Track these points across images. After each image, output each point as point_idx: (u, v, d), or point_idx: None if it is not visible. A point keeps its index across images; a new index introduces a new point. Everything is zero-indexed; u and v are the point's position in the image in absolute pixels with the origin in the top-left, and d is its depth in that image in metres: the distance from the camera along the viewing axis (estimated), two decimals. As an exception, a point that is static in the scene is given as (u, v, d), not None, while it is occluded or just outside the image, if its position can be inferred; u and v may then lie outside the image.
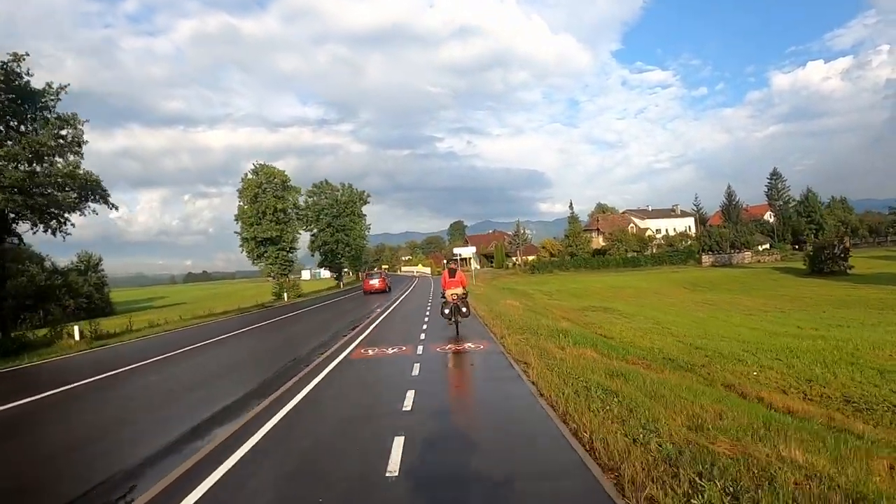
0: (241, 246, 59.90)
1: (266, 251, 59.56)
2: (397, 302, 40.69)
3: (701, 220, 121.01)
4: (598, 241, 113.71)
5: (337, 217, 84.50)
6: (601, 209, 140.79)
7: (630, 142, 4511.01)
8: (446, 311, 19.41)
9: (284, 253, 59.82)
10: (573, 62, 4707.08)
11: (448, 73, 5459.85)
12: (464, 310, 19.54)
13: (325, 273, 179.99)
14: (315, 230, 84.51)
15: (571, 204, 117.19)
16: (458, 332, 19.53)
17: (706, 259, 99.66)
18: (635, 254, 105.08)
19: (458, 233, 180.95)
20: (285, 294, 57.01)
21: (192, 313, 44.63)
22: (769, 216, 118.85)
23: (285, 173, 61.11)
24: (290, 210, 60.67)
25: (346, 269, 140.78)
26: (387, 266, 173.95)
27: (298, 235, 62.07)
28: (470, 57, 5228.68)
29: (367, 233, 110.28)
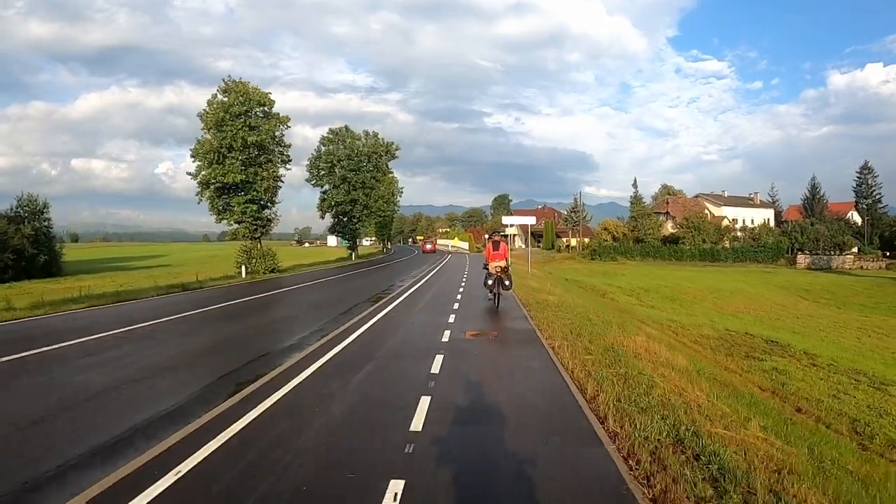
0: (198, 194, 40.11)
1: (230, 203, 39.80)
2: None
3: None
4: (667, 228, 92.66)
5: (355, 171, 64.77)
6: (667, 191, 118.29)
7: (680, 131, 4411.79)
8: (489, 282, 18.79)
9: (255, 207, 39.86)
10: (627, 45, 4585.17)
11: (500, 48, 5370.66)
12: (506, 282, 18.74)
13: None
14: (326, 186, 64.99)
15: (636, 181, 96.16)
16: (498, 304, 18.64)
17: (802, 259, 78.59)
18: (712, 245, 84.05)
19: (501, 207, 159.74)
20: (243, 269, 37.98)
21: (133, 284, 32.13)
22: (852, 215, 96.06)
23: (270, 96, 41.09)
24: (270, 147, 40.51)
25: (371, 238, 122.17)
26: (421, 237, 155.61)
27: (278, 185, 41.94)
28: (524, 33, 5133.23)
29: (397, 196, 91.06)
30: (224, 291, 27.14)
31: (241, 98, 39.77)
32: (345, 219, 66.95)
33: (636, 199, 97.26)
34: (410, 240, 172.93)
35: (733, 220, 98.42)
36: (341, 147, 65.17)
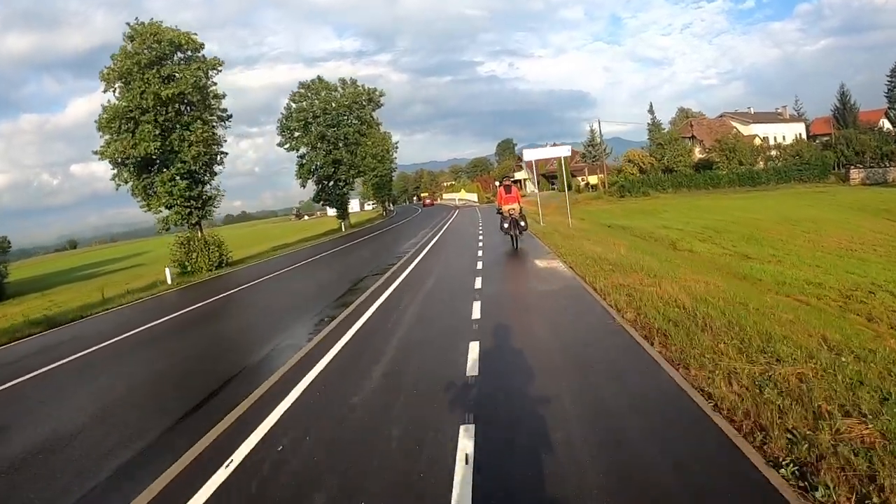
0: (114, 178, 29.15)
1: (152, 182, 28.88)
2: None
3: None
4: (695, 153, 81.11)
5: (334, 127, 53.54)
6: (685, 114, 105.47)
7: (676, 58, 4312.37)
8: (505, 226, 19.11)
9: (183, 183, 28.83)
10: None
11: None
12: (522, 224, 18.96)
13: (353, 205, 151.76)
14: (302, 149, 53.82)
15: (652, 106, 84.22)
16: (517, 245, 18.88)
17: (856, 175, 66.78)
18: (749, 167, 72.78)
19: (507, 152, 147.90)
20: (167, 273, 26.36)
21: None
22: (883, 123, 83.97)
23: (194, 37, 29.79)
24: (195, 101, 29.41)
25: (373, 202, 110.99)
26: (426, 193, 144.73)
27: (217, 150, 31.00)
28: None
29: (392, 153, 79.89)
30: (113, 320, 16.76)
31: (152, 43, 28.59)
32: (329, 184, 56.13)
33: (654, 126, 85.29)
34: (415, 198, 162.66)
35: (764, 137, 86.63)
36: (316, 102, 53.87)
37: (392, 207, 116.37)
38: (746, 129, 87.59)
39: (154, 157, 28.43)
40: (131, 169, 28.81)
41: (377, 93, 57.37)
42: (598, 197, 68.05)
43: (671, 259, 19.01)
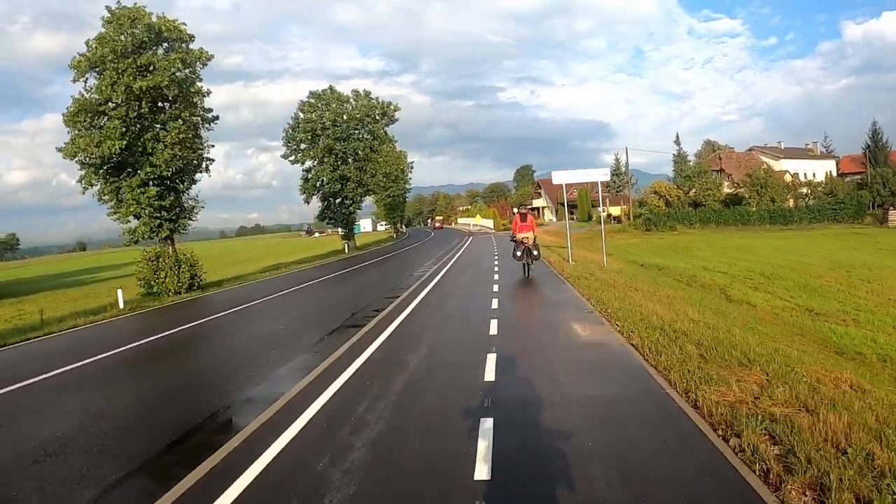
0: (81, 180, 25.01)
1: (119, 187, 24.74)
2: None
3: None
4: (724, 187, 76.54)
5: (343, 140, 49.43)
6: (711, 147, 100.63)
7: (697, 93, 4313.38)
8: (518, 253, 19.02)
9: (154, 190, 24.56)
10: (638, 9, 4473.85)
11: (509, 21, 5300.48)
12: (535, 252, 18.98)
13: (366, 225, 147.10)
14: (308, 162, 49.80)
15: (678, 137, 79.91)
16: (528, 273, 18.96)
17: (894, 216, 61.75)
18: (775, 203, 68.40)
19: (525, 178, 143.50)
20: (119, 296, 21.90)
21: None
22: None
23: (179, 25, 25.75)
24: (174, 96, 25.26)
25: (385, 224, 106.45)
26: (441, 217, 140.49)
27: (197, 155, 26.85)
28: (532, 3, 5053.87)
29: (408, 173, 75.97)
30: (25, 357, 12.64)
31: (130, 29, 24.61)
32: (335, 201, 51.89)
33: (680, 158, 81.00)
34: (430, 220, 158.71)
35: (794, 173, 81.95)
36: (326, 113, 49.94)
37: (404, 230, 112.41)
38: (776, 165, 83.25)
39: (118, 157, 24.26)
40: (96, 171, 24.69)
41: (392, 107, 53.13)
42: (622, 230, 63.55)
43: (744, 320, 14.53)
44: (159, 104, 25.32)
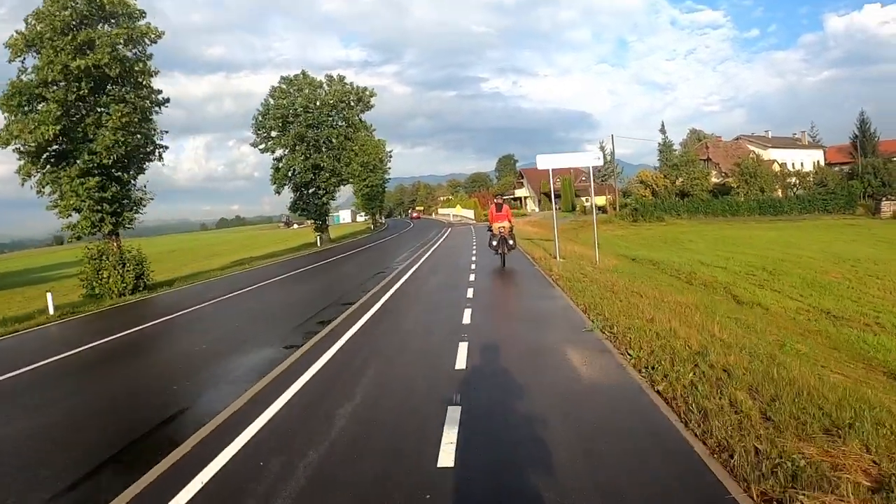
0: (19, 170, 22.37)
1: (58, 175, 22.10)
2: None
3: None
4: (711, 177, 74.80)
5: (315, 128, 46.80)
6: (697, 136, 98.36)
7: (679, 83, 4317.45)
8: (494, 243, 18.98)
9: (94, 181, 21.87)
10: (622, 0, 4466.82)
11: (493, 12, 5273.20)
12: (510, 242, 18.99)
13: (345, 216, 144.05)
14: (279, 151, 47.08)
15: (663, 126, 77.85)
16: (504, 263, 18.86)
17: (887, 207, 60.30)
18: (764, 194, 67.26)
19: (507, 168, 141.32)
20: (49, 299, 19.02)
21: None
22: None
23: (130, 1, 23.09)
24: (118, 75, 22.51)
25: (365, 213, 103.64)
26: (421, 207, 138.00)
27: (147, 141, 24.26)
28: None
29: (387, 163, 73.45)
30: None
31: (71, 2, 21.91)
32: (308, 191, 49.14)
33: (666, 147, 78.90)
34: (411, 210, 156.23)
35: (782, 163, 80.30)
36: (298, 99, 47.32)
37: (384, 220, 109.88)
38: (764, 154, 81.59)
39: (57, 144, 21.68)
40: (34, 160, 22.01)
41: (367, 93, 50.29)
42: (608, 221, 61.17)
43: (771, 331, 12.25)
44: (102, 85, 22.67)
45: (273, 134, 47.01)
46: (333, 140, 48.62)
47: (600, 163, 22.80)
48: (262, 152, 47.02)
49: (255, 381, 7.67)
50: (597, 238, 20.83)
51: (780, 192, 69.13)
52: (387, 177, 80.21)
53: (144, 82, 23.40)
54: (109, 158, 21.74)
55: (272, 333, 11.46)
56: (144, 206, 24.38)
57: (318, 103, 47.43)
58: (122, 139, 21.88)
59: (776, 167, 74.10)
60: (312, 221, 51.14)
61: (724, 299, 18.37)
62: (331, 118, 48.77)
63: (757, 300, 19.08)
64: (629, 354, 7.47)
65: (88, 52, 21.66)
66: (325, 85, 48.63)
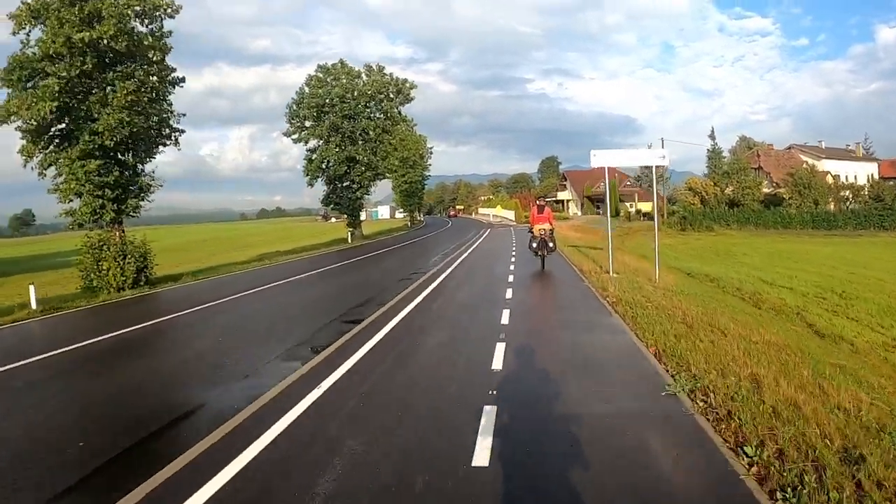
0: (21, 150, 20.45)
1: (58, 157, 20.12)
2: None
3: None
4: (763, 186, 70.87)
5: (351, 118, 44.60)
6: (747, 143, 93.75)
7: (726, 90, 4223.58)
8: (534, 245, 18.77)
9: (95, 163, 19.85)
10: (668, 4, 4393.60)
11: (539, 13, 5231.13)
12: (550, 244, 18.70)
13: (384, 212, 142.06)
14: (312, 142, 45.36)
15: (713, 131, 74.10)
16: (543, 265, 18.68)
17: (956, 225, 56.44)
18: (818, 206, 62.97)
19: (550, 170, 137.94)
20: (31, 294, 16.88)
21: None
22: None
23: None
24: (126, 49, 20.34)
25: (403, 210, 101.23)
26: (461, 206, 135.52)
27: (160, 119, 22.27)
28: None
29: (426, 157, 71.27)
30: None
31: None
32: (341, 185, 46.84)
33: (715, 153, 75.05)
34: (449, 209, 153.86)
35: (835, 175, 75.74)
36: (335, 88, 45.15)
37: (422, 218, 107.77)
38: (818, 165, 77.21)
39: (59, 123, 19.78)
40: (35, 139, 20.07)
41: (407, 85, 47.83)
42: (654, 228, 58.03)
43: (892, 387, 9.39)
44: (109, 61, 20.61)
45: (307, 124, 44.95)
46: (370, 132, 46.37)
47: (666, 162, 19.10)
48: (295, 142, 45.10)
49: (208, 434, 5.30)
50: (640, 247, 18.85)
51: (831, 206, 65.06)
52: (427, 174, 78.15)
53: (154, 58, 21.15)
54: (112, 140, 19.58)
55: (251, 359, 8.99)
56: (152, 192, 22.25)
57: (355, 94, 45.13)
58: (128, 119, 19.74)
59: (829, 179, 69.91)
60: (346, 216, 49.16)
61: (803, 330, 15.41)
62: (368, 109, 46.58)
63: (838, 332, 16.06)
64: (744, 453, 4.60)
65: (95, 24, 19.62)
66: (363, 75, 46.43)
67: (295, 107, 44.45)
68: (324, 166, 45.15)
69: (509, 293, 13.83)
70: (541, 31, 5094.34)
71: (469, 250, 28.87)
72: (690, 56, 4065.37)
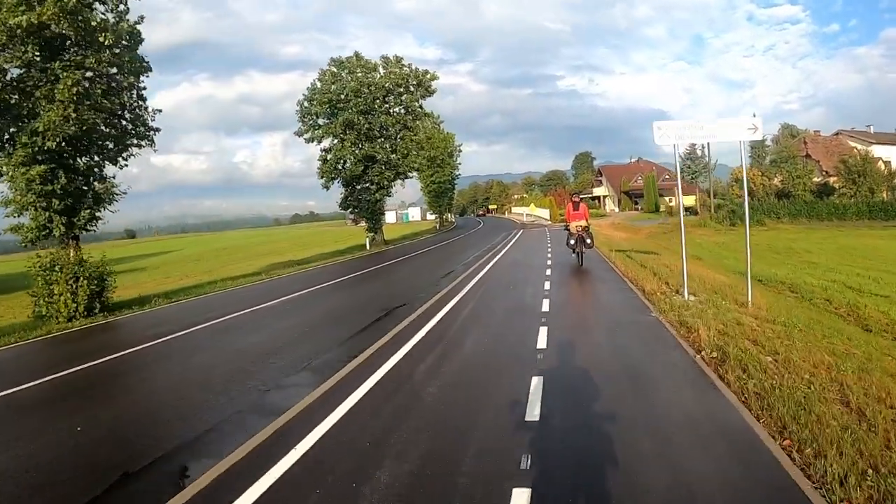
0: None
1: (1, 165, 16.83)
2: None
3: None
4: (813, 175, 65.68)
5: (366, 114, 41.08)
6: (790, 131, 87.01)
7: (757, 81, 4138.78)
8: (571, 242, 18.64)
9: (40, 168, 16.11)
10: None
11: (567, 9, 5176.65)
12: (588, 241, 18.45)
13: (414, 214, 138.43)
14: (326, 141, 41.73)
15: (755, 117, 68.75)
16: (581, 261, 18.53)
17: None
18: (874, 195, 58.16)
19: (584, 165, 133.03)
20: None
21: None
22: None
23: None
24: (72, 32, 16.80)
25: (433, 211, 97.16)
26: (495, 206, 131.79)
27: (143, 123, 18.83)
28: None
29: (455, 156, 68.05)
30: None
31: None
32: (358, 186, 42.81)
33: (758, 143, 69.94)
34: (484, 209, 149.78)
35: (887, 161, 69.90)
36: (350, 83, 41.20)
37: (453, 219, 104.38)
38: (869, 151, 71.75)
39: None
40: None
41: (428, 76, 43.42)
42: (701, 224, 53.05)
43: None
44: (56, 49, 17.13)
45: (321, 121, 41.16)
46: (390, 128, 42.53)
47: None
48: (308, 142, 41.21)
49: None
50: (689, 245, 13.99)
51: (884, 195, 59.52)
52: (457, 173, 74.95)
53: (106, 42, 17.47)
54: (55, 140, 16.08)
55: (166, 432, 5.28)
56: (115, 202, 18.65)
57: (371, 87, 41.13)
58: (75, 116, 16.22)
59: (881, 165, 64.34)
60: (391, 216, 45.59)
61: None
62: (387, 104, 42.60)
63: None
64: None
65: (36, 5, 16.15)
66: (380, 68, 42.43)
67: (307, 104, 40.71)
68: (339, 167, 41.43)
69: (542, 338, 8.96)
70: (569, 28, 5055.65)
71: (497, 257, 24.83)
72: (720, 47, 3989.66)
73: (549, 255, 23.35)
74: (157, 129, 20.42)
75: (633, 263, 19.17)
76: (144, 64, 19.30)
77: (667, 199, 79.92)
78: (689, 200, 73.18)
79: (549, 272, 18.09)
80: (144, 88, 19.96)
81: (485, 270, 20.01)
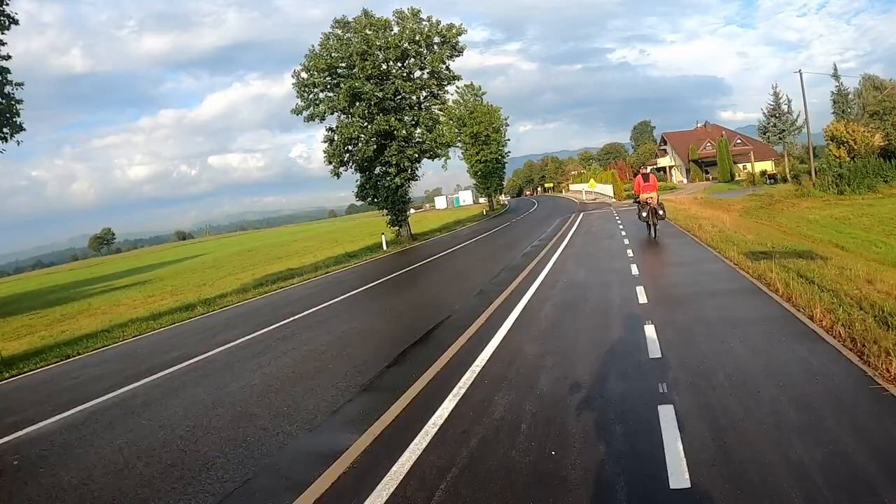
0: None
1: None
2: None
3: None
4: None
5: (376, 80, 33.04)
6: (872, 83, 73.78)
7: (812, 41, 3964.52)
8: (643, 214, 18.43)
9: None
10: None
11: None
12: (660, 212, 17.96)
13: (466, 198, 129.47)
14: (325, 113, 33.30)
15: (836, 67, 61.51)
16: (654, 233, 17.82)
17: None
18: None
19: (644, 136, 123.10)
20: None
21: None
22: None
23: None
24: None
25: (481, 194, 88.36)
26: (551, 184, 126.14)
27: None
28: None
29: (503, 132, 61.32)
30: None
31: None
32: (375, 171, 34.67)
33: (841, 96, 60.72)
34: (540, 188, 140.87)
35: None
36: (354, 42, 32.52)
37: (506, 201, 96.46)
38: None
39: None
40: None
41: (453, 31, 34.04)
42: (801, 193, 43.31)
43: None
44: None
45: (322, 95, 33.04)
46: (410, 96, 34.33)
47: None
48: (307, 121, 32.67)
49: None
50: (790, 220, 9.42)
51: None
52: (506, 150, 67.65)
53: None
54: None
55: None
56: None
57: (382, 49, 32.86)
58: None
59: None
60: (432, 205, 37.89)
61: None
62: (401, 66, 34.12)
63: None
64: None
65: None
66: (394, 25, 33.65)
67: (304, 74, 32.54)
68: (350, 147, 33.44)
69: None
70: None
71: (556, 254, 17.00)
72: (772, 7, 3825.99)
73: (630, 249, 16.05)
74: (20, 101, 14.05)
75: (816, 292, 8.35)
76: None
77: (740, 165, 71.06)
78: (768, 166, 63.77)
79: (641, 297, 9.50)
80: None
81: (549, 267, 12.44)
